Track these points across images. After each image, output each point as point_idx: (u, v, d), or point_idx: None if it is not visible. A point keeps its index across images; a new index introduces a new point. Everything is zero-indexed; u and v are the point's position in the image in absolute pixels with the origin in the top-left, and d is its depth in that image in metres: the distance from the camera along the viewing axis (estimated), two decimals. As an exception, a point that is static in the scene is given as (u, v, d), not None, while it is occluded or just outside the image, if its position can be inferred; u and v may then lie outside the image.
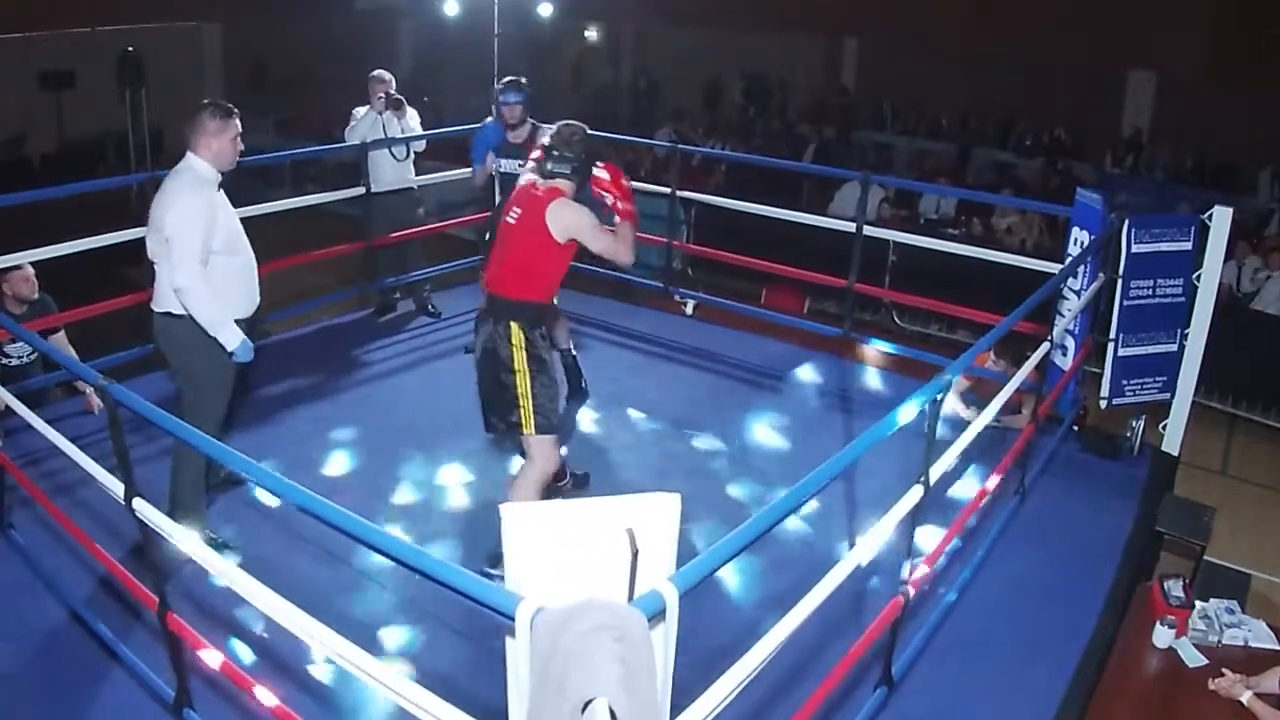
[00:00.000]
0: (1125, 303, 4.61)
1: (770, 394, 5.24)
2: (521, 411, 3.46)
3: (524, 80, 5.11)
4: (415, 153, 6.17)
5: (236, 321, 3.49)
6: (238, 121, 3.57)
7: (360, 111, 6.15)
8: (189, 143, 3.50)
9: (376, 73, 6.20)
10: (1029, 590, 3.66)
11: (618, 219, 3.47)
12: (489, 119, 5.60)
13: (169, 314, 3.50)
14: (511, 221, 3.48)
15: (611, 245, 3.44)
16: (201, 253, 3.39)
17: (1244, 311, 8.38)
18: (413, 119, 6.16)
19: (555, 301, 3.77)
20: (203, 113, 3.53)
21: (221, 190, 3.57)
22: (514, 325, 3.43)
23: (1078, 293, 4.55)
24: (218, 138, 3.51)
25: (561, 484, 3.94)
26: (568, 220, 3.37)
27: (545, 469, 3.55)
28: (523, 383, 3.44)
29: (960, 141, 14.31)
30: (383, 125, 5.99)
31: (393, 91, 6.07)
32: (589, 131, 3.56)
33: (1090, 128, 13.75)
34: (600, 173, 3.45)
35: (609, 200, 3.47)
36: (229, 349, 3.45)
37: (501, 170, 5.26)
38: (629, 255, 3.48)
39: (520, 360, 3.43)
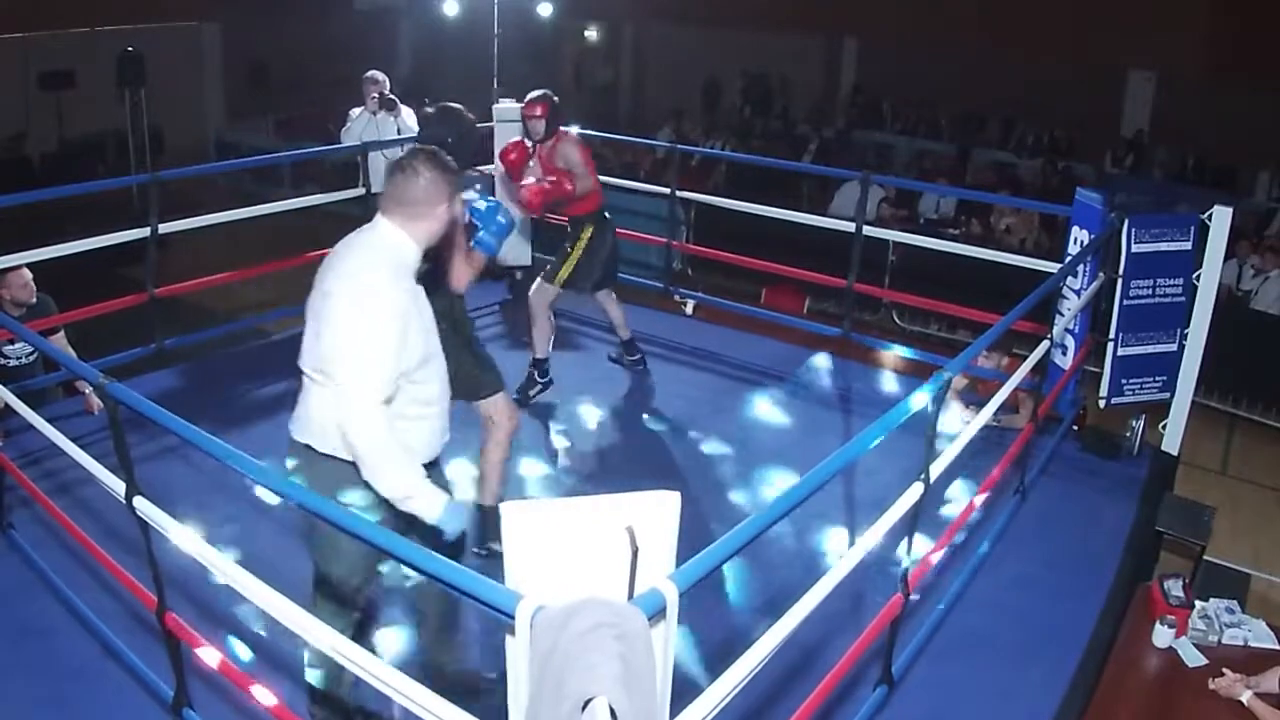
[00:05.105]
0: (1125, 302, 4.60)
1: (770, 394, 5.24)
2: None
3: None
4: None
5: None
6: None
7: (355, 112, 6.19)
8: (386, 202, 2.50)
9: (370, 74, 6.24)
10: (1029, 590, 3.66)
11: None
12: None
13: (313, 449, 2.54)
14: None
15: None
16: (389, 380, 2.38)
17: (1244, 311, 8.37)
18: (409, 118, 6.18)
19: None
20: (427, 166, 2.46)
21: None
22: None
23: (1077, 292, 4.55)
24: (442, 209, 2.49)
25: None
26: None
27: None
28: None
29: (960, 141, 14.31)
30: (377, 125, 6.02)
31: (386, 92, 6.10)
32: None
33: (1090, 128, 13.75)
34: None
35: None
36: (428, 520, 2.43)
37: None
38: None
39: None
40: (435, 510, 2.41)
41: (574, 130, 5.04)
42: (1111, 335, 4.66)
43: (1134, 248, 4.54)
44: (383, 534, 1.96)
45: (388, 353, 2.35)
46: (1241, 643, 3.47)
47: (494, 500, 3.58)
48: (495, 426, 3.59)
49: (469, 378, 3.39)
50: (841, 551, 2.77)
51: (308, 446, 2.55)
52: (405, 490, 2.39)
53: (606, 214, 5.02)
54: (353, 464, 2.43)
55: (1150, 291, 4.62)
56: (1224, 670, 3.24)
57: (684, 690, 1.83)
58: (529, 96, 4.90)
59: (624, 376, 5.36)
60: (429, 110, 3.84)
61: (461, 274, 3.36)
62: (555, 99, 4.88)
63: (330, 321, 2.39)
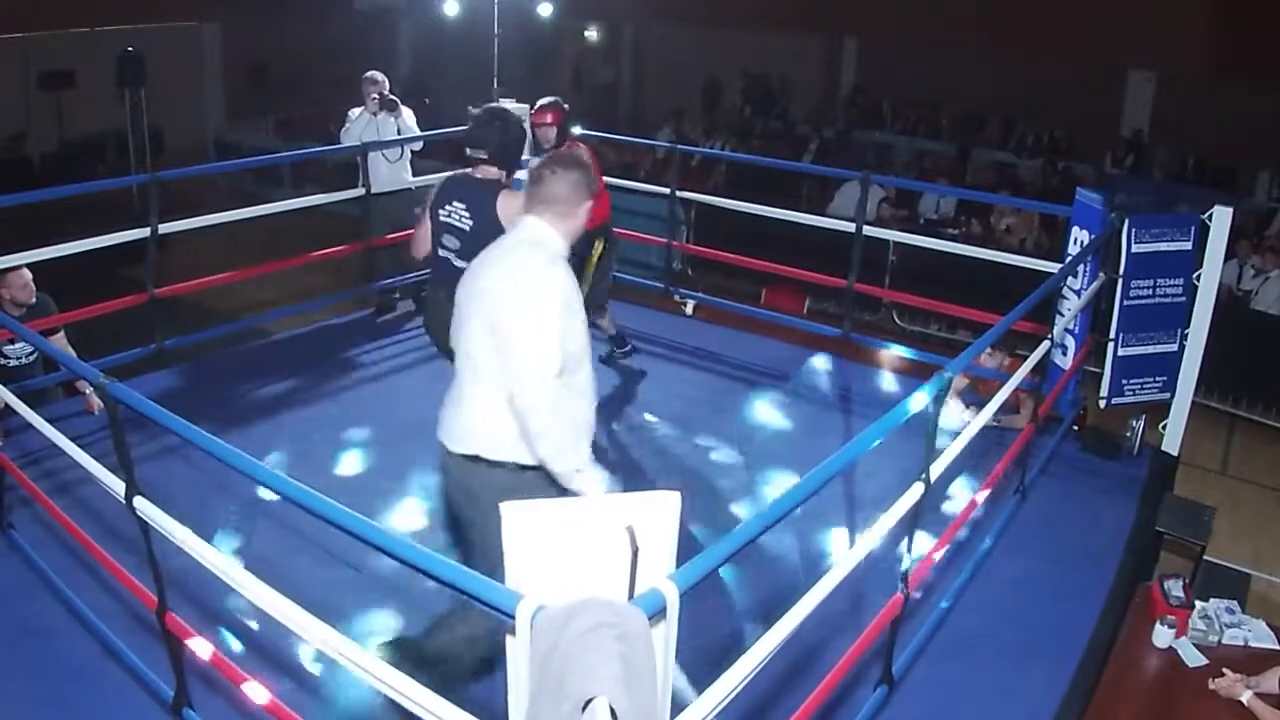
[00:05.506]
0: (1125, 302, 4.60)
1: (770, 394, 5.23)
2: None
3: None
4: (412, 152, 6.19)
5: None
6: None
7: (355, 113, 6.20)
8: (532, 204, 2.64)
9: (369, 74, 6.25)
10: (1029, 590, 3.66)
11: None
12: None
13: (482, 459, 2.60)
14: None
15: None
16: (558, 354, 2.48)
17: (1244, 311, 8.38)
18: (409, 118, 6.18)
19: None
20: (572, 168, 2.65)
21: None
22: None
23: (1078, 292, 4.55)
24: (584, 208, 2.68)
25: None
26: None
27: None
28: None
29: (960, 141, 14.31)
30: (377, 126, 6.03)
31: (386, 92, 6.11)
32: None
33: (1090, 128, 13.74)
34: None
35: None
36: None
37: None
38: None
39: None
40: (599, 489, 2.53)
41: (578, 129, 4.96)
42: (1112, 335, 4.66)
43: (1134, 248, 4.54)
44: (386, 537, 1.96)
45: (556, 326, 2.47)
46: (1241, 643, 3.47)
47: None
48: None
49: None
50: (842, 551, 2.78)
51: (475, 458, 2.61)
52: (574, 462, 2.50)
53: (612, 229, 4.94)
54: (526, 468, 2.53)
55: (1150, 292, 4.61)
56: (1224, 670, 3.24)
57: (684, 690, 1.83)
58: (539, 103, 4.74)
59: (623, 376, 5.36)
60: (476, 111, 3.80)
61: None
62: (566, 106, 4.75)
63: (495, 308, 2.51)
